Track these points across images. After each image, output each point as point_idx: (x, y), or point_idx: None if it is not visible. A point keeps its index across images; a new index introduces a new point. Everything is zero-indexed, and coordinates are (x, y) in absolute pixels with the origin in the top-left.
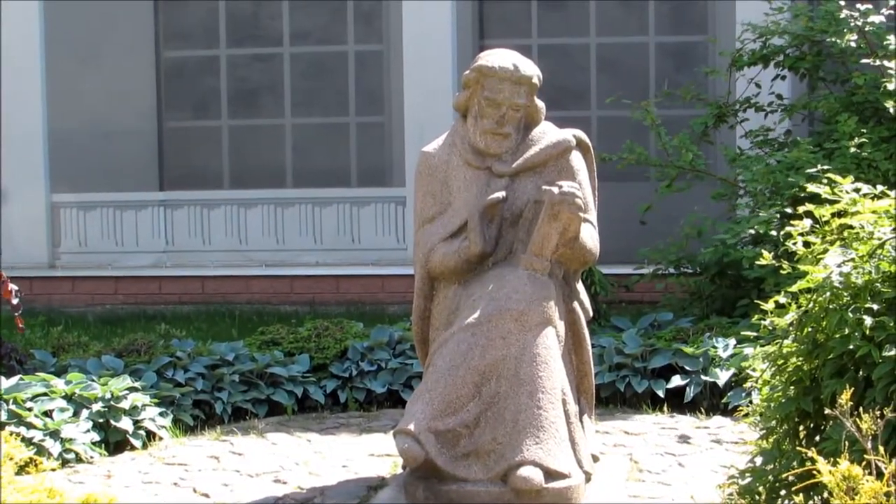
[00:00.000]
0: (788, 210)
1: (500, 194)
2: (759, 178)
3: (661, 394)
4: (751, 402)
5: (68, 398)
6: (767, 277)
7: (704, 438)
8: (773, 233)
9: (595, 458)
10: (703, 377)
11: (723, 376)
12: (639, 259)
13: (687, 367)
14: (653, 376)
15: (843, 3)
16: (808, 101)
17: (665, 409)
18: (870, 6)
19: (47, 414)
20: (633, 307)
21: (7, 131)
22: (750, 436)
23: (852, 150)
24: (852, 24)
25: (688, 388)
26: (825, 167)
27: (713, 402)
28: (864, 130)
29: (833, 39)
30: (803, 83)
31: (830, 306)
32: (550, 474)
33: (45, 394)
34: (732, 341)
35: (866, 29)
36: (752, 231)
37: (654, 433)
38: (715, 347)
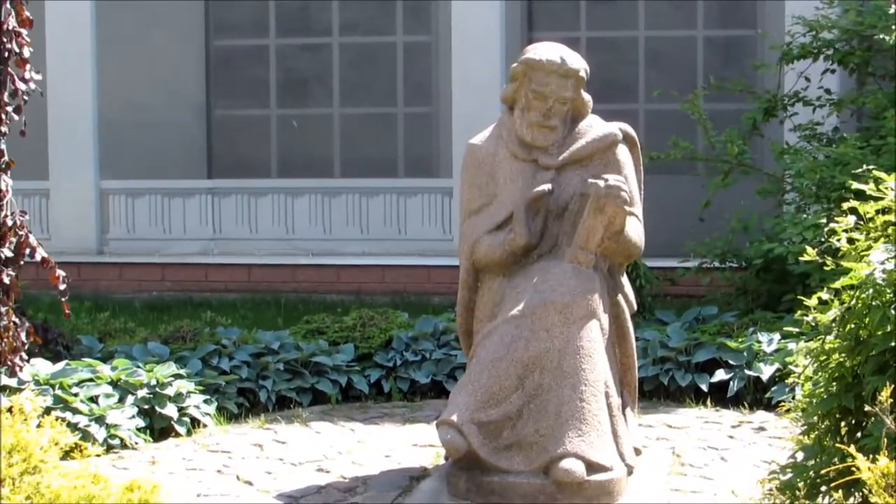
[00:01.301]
0: (835, 210)
1: (546, 187)
2: (805, 173)
3: (704, 388)
4: (794, 397)
5: (114, 384)
6: (813, 273)
7: (747, 433)
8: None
9: (637, 452)
10: (746, 372)
11: (766, 371)
12: (685, 253)
13: (731, 362)
14: (696, 370)
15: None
16: (856, 96)
17: (708, 403)
18: None
19: (93, 399)
20: (678, 301)
21: (57, 118)
22: (793, 431)
23: None
24: None
25: (731, 383)
26: (871, 167)
27: (757, 396)
28: None
29: (882, 36)
30: (852, 78)
31: (873, 303)
32: (592, 467)
33: (91, 379)
34: (777, 336)
35: None
36: (801, 236)
37: (697, 427)
38: (759, 342)
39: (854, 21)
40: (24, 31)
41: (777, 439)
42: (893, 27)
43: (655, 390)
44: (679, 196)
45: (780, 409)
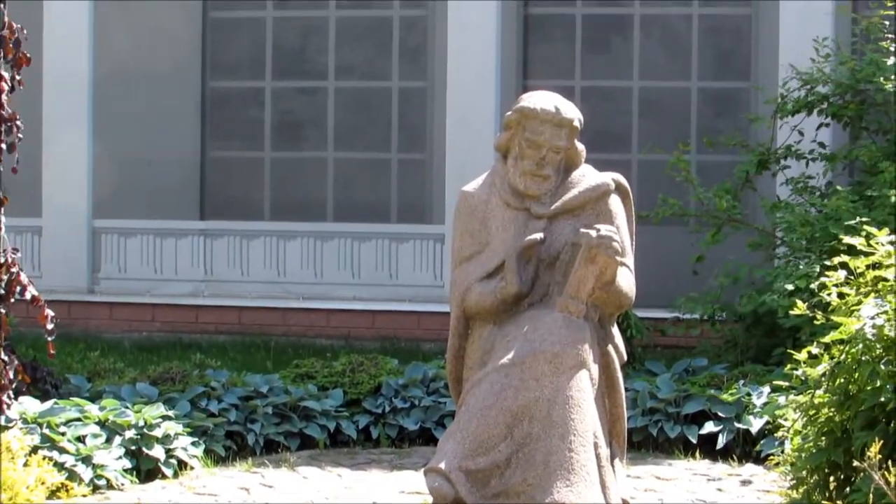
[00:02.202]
0: (826, 263)
1: (538, 236)
2: (796, 227)
3: (693, 440)
4: (783, 451)
5: (102, 424)
6: (803, 326)
7: (736, 486)
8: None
9: (625, 503)
10: (736, 424)
11: (756, 424)
12: (675, 306)
13: (720, 414)
14: (686, 422)
15: (892, 48)
16: (849, 150)
17: (697, 455)
18: None
19: (80, 439)
20: (668, 352)
21: (52, 155)
22: (781, 485)
23: (893, 199)
24: None
25: (721, 435)
26: (864, 219)
27: (746, 449)
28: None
29: (880, 80)
30: (846, 132)
31: (863, 358)
32: None
33: (78, 419)
34: (766, 389)
35: None
36: (791, 287)
37: (686, 479)
38: (749, 395)
39: (850, 69)
40: (5, 75)
41: (766, 493)
42: (893, 77)
43: (644, 441)
44: (670, 247)
45: (769, 463)
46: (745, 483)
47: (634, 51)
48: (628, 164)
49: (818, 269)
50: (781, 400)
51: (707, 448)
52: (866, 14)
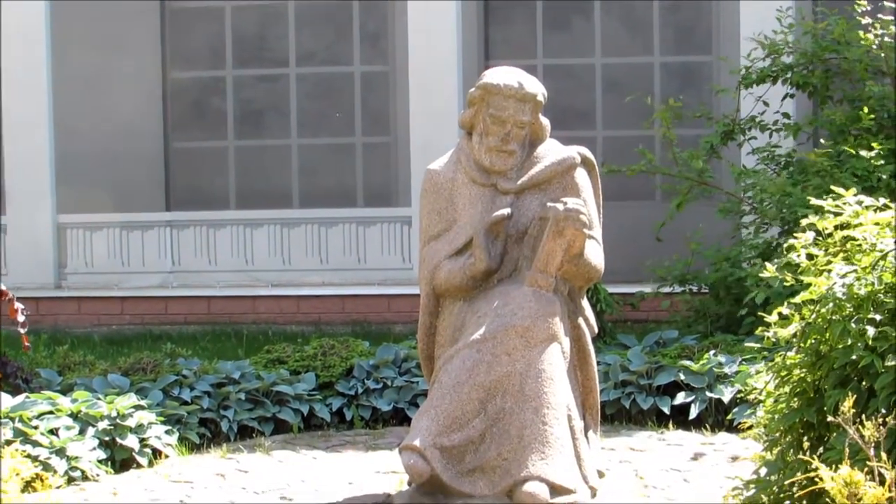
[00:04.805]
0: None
1: (506, 211)
2: (766, 188)
3: (666, 410)
4: (755, 414)
5: (74, 416)
6: (773, 298)
7: (710, 454)
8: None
9: (601, 474)
10: (708, 394)
11: (728, 393)
12: (645, 274)
13: (692, 384)
14: (658, 393)
15: (864, 7)
16: (812, 119)
17: (670, 425)
18: (890, 17)
19: (53, 432)
20: (639, 325)
21: (14, 152)
22: (755, 450)
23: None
24: (872, 35)
25: (693, 405)
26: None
27: (718, 418)
28: (867, 147)
29: (846, 44)
30: (811, 101)
31: (833, 317)
32: (556, 490)
33: (50, 412)
34: (738, 358)
35: (885, 39)
36: (755, 255)
37: (660, 449)
38: (720, 364)
39: (813, 42)
40: None
41: (740, 460)
42: (861, 41)
43: (617, 414)
44: (639, 221)
45: (742, 426)
46: (719, 451)
47: (596, 28)
48: (593, 141)
49: (784, 239)
50: (753, 369)
51: (680, 419)
52: None
